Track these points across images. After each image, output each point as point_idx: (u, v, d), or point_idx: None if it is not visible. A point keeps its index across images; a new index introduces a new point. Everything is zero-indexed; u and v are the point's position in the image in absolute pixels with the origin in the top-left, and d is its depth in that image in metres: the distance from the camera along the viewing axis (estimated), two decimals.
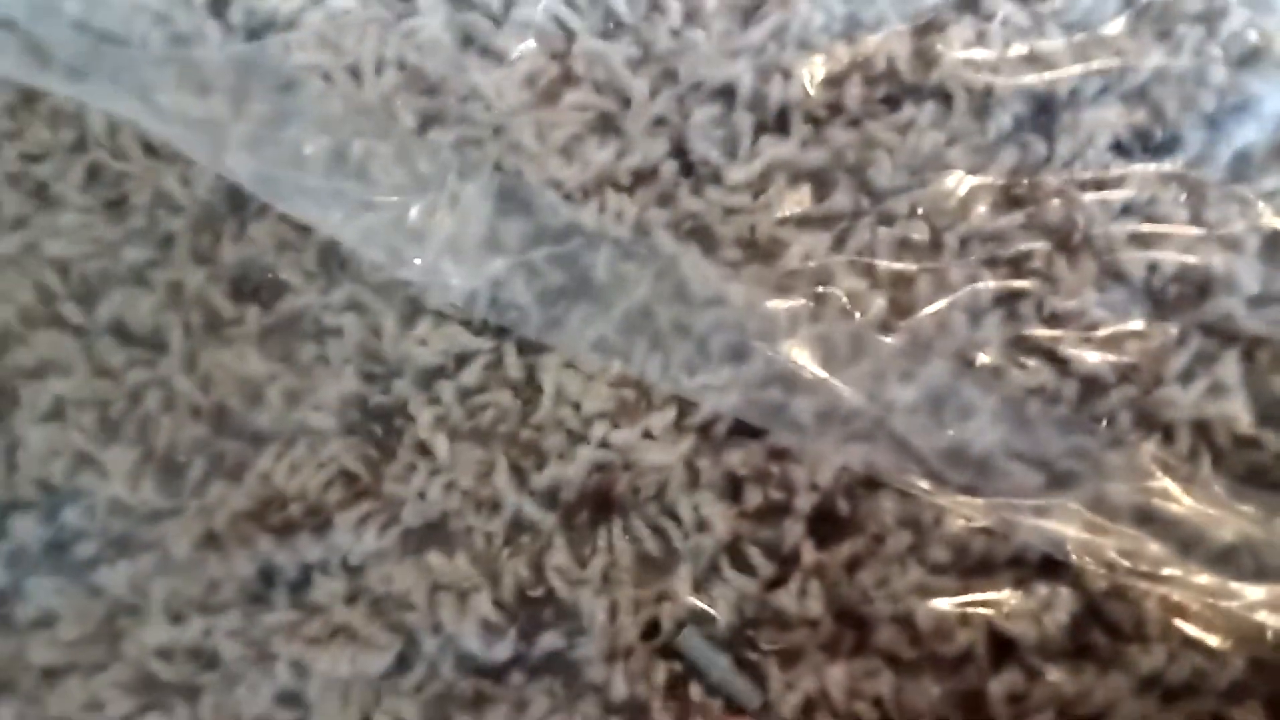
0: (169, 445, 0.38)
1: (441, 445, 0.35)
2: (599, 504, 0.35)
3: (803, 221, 0.35)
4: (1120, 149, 0.34)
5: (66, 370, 0.38)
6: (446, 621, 0.34)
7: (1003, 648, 0.31)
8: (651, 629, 0.33)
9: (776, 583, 0.33)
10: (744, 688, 0.32)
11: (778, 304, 0.34)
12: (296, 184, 0.38)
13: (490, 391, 0.36)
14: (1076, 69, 0.34)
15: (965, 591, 0.32)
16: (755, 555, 0.33)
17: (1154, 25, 0.34)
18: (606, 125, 0.37)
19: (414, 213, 0.37)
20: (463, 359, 0.36)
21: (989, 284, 0.33)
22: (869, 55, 0.35)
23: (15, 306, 0.39)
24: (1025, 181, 0.34)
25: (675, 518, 0.34)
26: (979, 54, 0.35)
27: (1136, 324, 0.32)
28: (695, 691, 0.33)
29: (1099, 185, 0.33)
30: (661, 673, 0.33)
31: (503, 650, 0.34)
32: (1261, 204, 0.32)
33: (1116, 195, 0.33)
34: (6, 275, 0.40)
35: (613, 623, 0.33)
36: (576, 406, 0.35)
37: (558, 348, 0.36)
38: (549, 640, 0.34)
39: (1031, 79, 0.34)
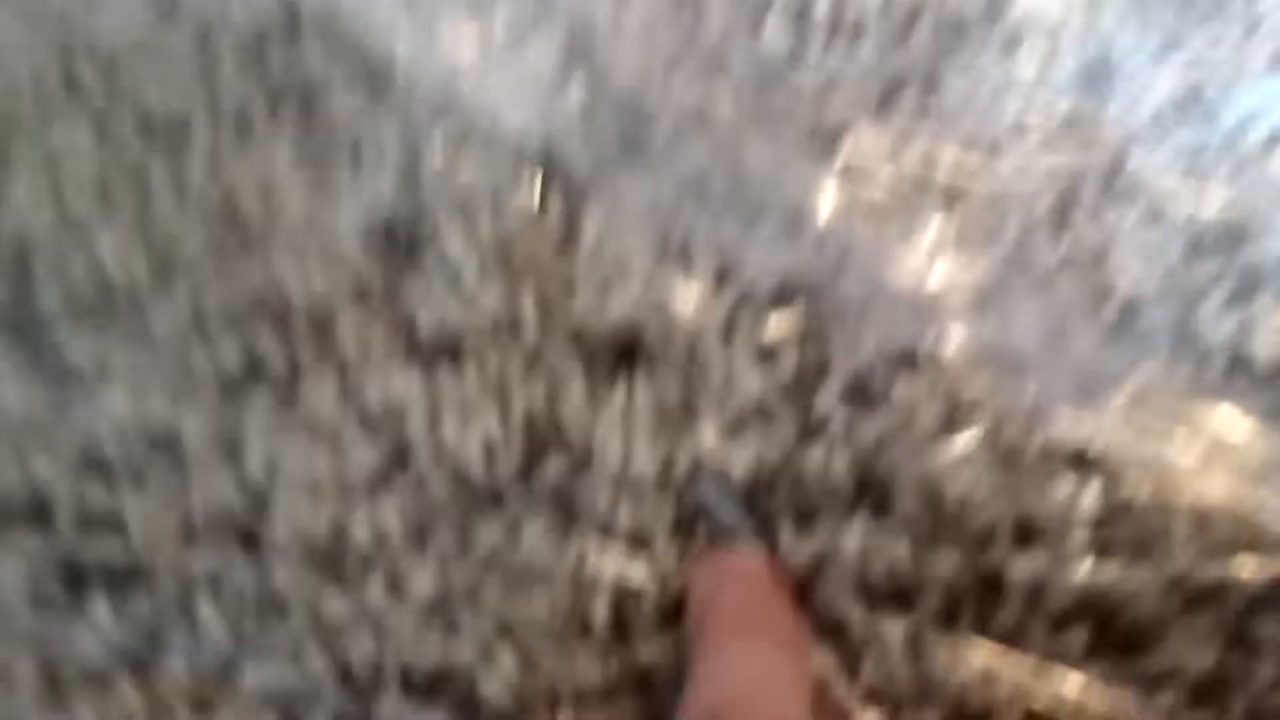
0: (170, 236, 0.35)
1: (470, 268, 0.34)
2: (626, 350, 0.34)
3: (868, 118, 0.36)
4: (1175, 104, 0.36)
5: (71, 134, 0.36)
6: (447, 436, 0.32)
7: (1027, 533, 0.31)
8: (666, 469, 0.32)
9: (801, 445, 0.32)
10: (752, 539, 0.30)
11: (833, 186, 0.35)
12: (362, 13, 0.38)
13: (529, 229, 0.35)
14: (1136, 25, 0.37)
15: (993, 477, 0.31)
16: (783, 416, 0.32)
17: None
18: (682, 5, 0.39)
19: (481, 45, 0.37)
20: (504, 193, 0.36)
21: (1044, 198, 0.35)
22: None
23: (30, 63, 0.37)
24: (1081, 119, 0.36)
25: (704, 372, 0.33)
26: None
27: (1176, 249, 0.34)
28: (701, 535, 0.31)
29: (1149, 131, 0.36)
30: (668, 510, 0.31)
31: (504, 469, 0.31)
32: None
33: (1168, 144, 0.36)
34: (28, 33, 0.38)
35: (625, 456, 0.32)
36: (616, 256, 0.35)
37: (604, 199, 0.36)
38: (554, 468, 0.32)
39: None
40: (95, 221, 0.35)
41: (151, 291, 0.34)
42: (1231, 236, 0.34)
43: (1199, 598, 0.30)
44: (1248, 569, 0.30)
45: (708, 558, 0.30)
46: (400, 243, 0.35)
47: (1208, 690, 0.29)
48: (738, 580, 0.29)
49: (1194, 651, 0.29)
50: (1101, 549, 0.30)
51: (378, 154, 0.36)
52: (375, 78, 0.37)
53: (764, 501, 0.31)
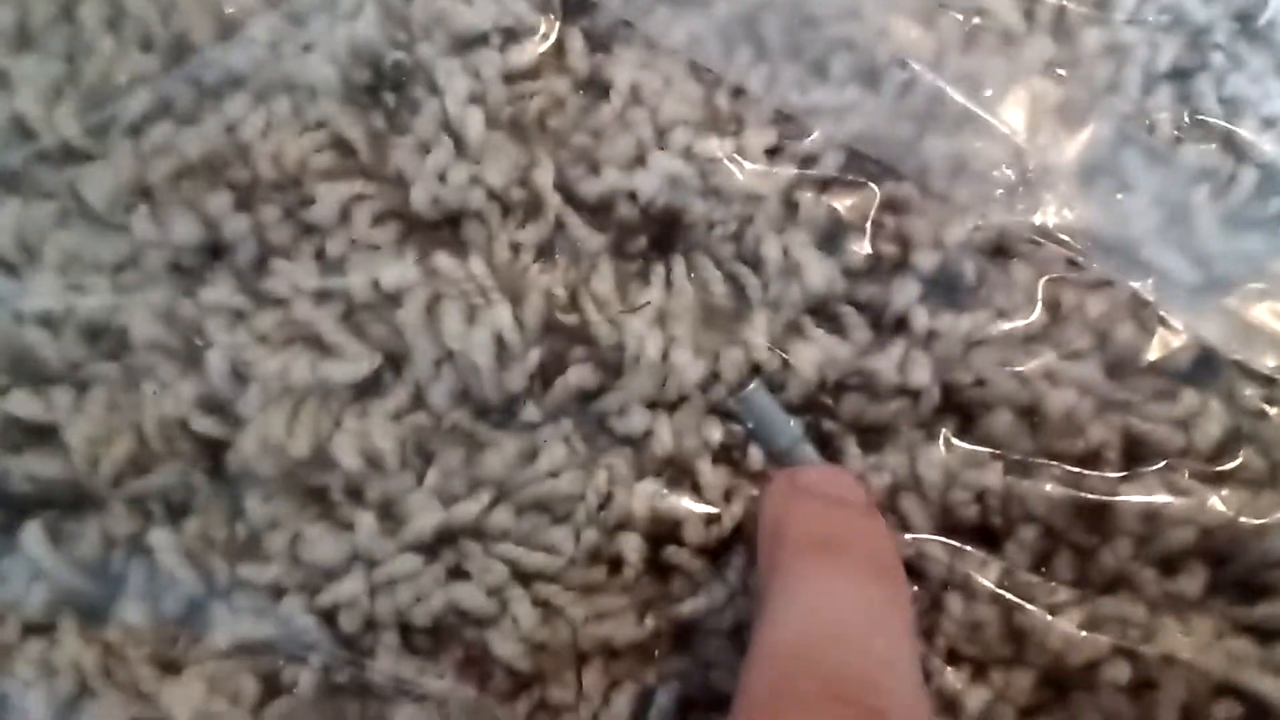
0: (104, 73, 0.29)
1: (474, 125, 0.28)
2: (663, 232, 0.28)
3: None
4: None
5: None
6: (448, 334, 0.26)
7: (1137, 457, 0.26)
8: (710, 380, 0.27)
9: (874, 348, 0.27)
10: (813, 460, 0.26)
11: (921, 27, 0.28)
12: None
13: (544, 78, 0.29)
14: None
15: (1101, 390, 0.26)
16: (850, 315, 0.27)
17: None
18: None
19: None
20: (514, 33, 0.29)
21: (1165, 53, 0.28)
22: None
23: None
24: None
25: (756, 262, 0.27)
26: None
27: None
28: (755, 458, 0.26)
29: None
30: (717, 432, 0.26)
31: (516, 379, 0.26)
32: None
33: None
34: None
35: (663, 362, 0.26)
36: (653, 112, 0.28)
37: (638, 40, 0.29)
38: (577, 376, 0.26)
39: None
40: (12, 66, 0.29)
41: (86, 153, 0.28)
42: None
43: None
44: None
45: (778, 473, 0.25)
46: (387, 93, 0.29)
47: None
48: (819, 494, 0.24)
49: None
50: (1223, 476, 0.26)
51: None
52: None
53: (827, 416, 0.27)
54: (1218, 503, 0.25)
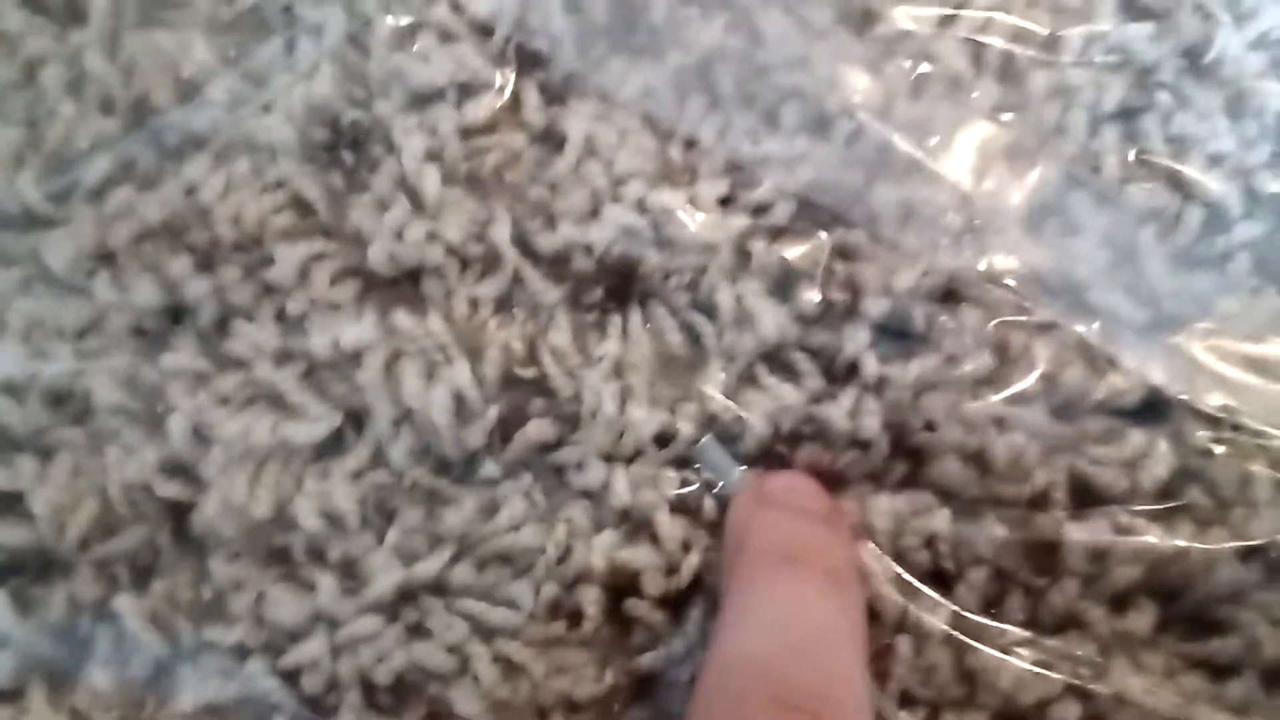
0: (65, 138, 0.29)
1: (430, 182, 0.28)
2: (619, 283, 0.28)
3: None
4: None
5: None
6: (407, 394, 0.27)
7: (1086, 497, 0.26)
8: (667, 432, 0.27)
9: (825, 396, 0.27)
10: None
11: (869, 75, 0.29)
12: None
13: (500, 132, 0.29)
14: None
15: (1049, 432, 0.27)
16: (803, 362, 0.27)
17: None
18: None
19: None
20: (470, 88, 0.29)
21: (1112, 93, 0.29)
22: None
23: None
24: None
25: (710, 310, 0.28)
26: None
27: (1263, 154, 0.28)
28: (710, 508, 0.27)
29: (1235, 11, 0.29)
30: (673, 483, 0.27)
31: (475, 436, 0.27)
32: None
33: (1253, 27, 0.29)
34: None
35: (620, 413, 0.27)
36: (607, 164, 0.29)
37: (592, 93, 0.29)
38: (536, 430, 0.27)
39: None
40: None
41: (48, 219, 0.28)
42: None
43: None
44: None
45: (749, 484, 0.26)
46: (345, 152, 0.29)
47: None
48: (781, 504, 0.24)
49: (1273, 632, 0.25)
50: (1171, 514, 0.26)
51: (314, 37, 0.29)
52: None
53: (779, 465, 0.27)
54: (1165, 540, 0.26)
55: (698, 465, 0.27)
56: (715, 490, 0.27)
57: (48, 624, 0.25)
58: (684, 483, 0.27)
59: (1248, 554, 0.26)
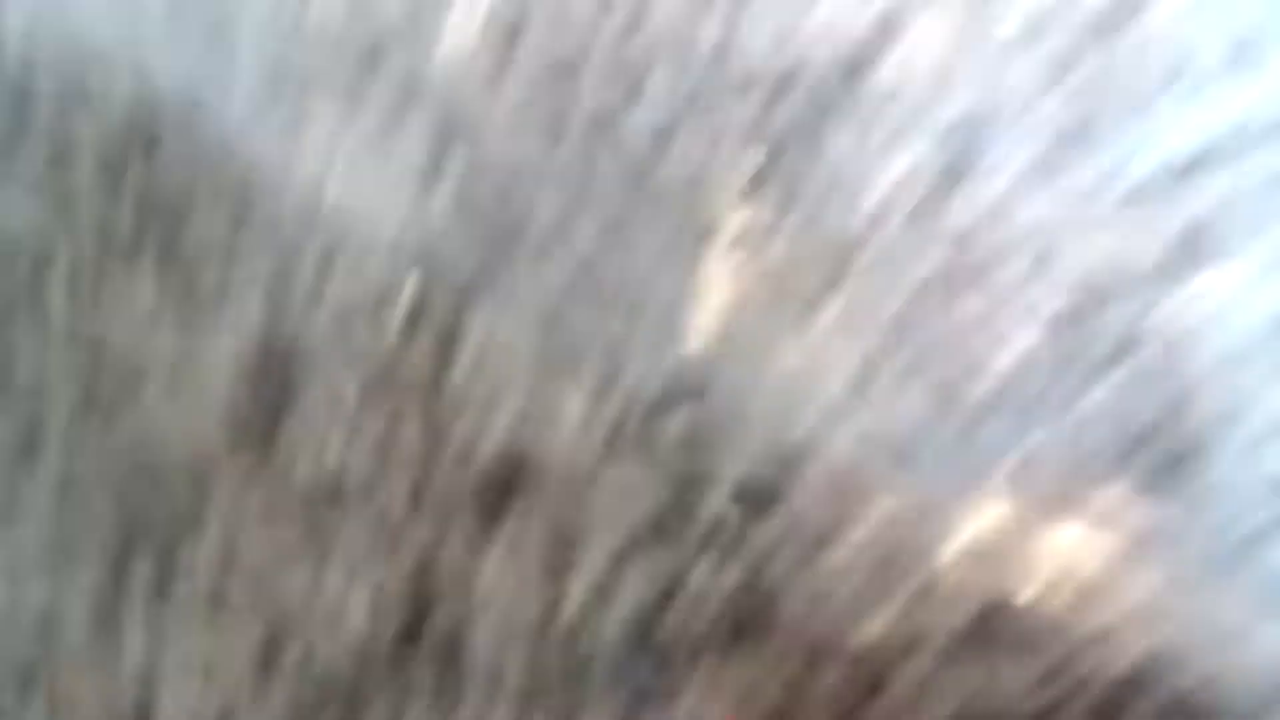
0: (35, 393, 0.34)
1: (350, 395, 0.32)
2: (510, 476, 0.31)
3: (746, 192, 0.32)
4: None
5: None
6: (332, 596, 0.30)
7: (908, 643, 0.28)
8: (552, 616, 0.30)
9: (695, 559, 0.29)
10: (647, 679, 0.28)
11: (717, 269, 0.31)
12: (224, 108, 0.35)
13: (410, 341, 0.33)
14: None
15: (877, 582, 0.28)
16: (676, 531, 0.30)
17: None
18: (565, 71, 0.34)
19: (346, 148, 0.34)
20: (381, 307, 0.33)
21: (930, 261, 0.31)
22: None
23: None
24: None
25: (591, 493, 0.30)
26: None
27: None
28: (595, 682, 0.29)
29: None
30: (559, 656, 0.29)
31: (390, 628, 0.30)
32: None
33: None
34: None
35: (511, 606, 0.29)
36: (499, 366, 0.32)
37: (486, 299, 0.33)
38: (441, 621, 0.30)
39: None
40: None
41: (18, 460, 0.33)
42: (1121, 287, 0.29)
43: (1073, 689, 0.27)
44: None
45: None
46: (275, 376, 0.33)
47: None
48: None
49: None
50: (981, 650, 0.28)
51: (246, 277, 0.34)
52: (240, 190, 0.34)
53: (663, 632, 0.29)
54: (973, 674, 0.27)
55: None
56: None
57: None
58: (571, 659, 0.29)
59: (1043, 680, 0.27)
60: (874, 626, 0.27)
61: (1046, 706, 0.27)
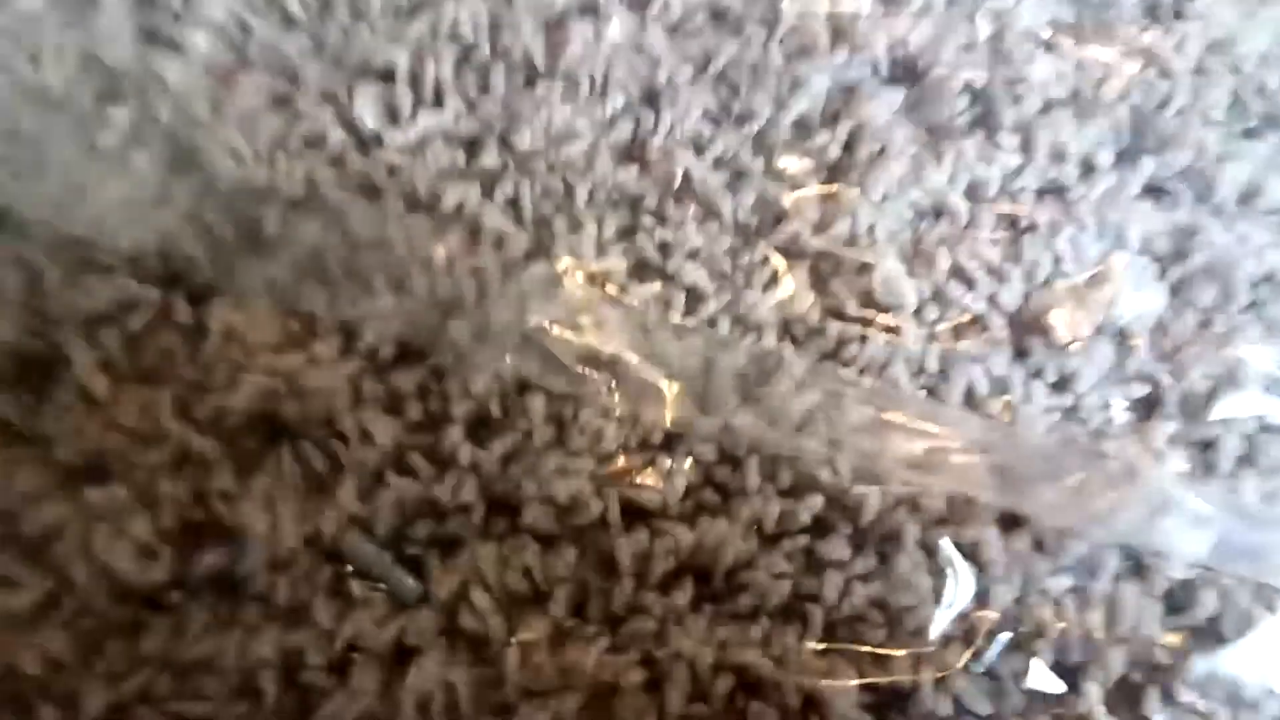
0: None
1: (100, 385, 0.36)
2: (266, 430, 0.37)
3: (457, 177, 0.40)
4: (710, 118, 0.42)
5: None
6: (100, 550, 0.34)
7: (633, 515, 0.36)
8: (315, 537, 0.35)
9: (435, 482, 0.36)
10: (402, 580, 0.34)
11: (436, 243, 0.38)
12: None
13: (157, 336, 0.37)
14: (673, 59, 0.42)
15: (600, 470, 0.36)
16: (417, 460, 0.36)
17: (730, 26, 0.43)
18: (280, 102, 0.41)
19: (85, 176, 0.39)
20: (129, 307, 0.38)
21: (612, 224, 0.40)
22: (509, 46, 0.42)
23: None
24: (637, 144, 0.41)
25: (342, 436, 0.36)
26: (599, 48, 0.42)
27: (726, 244, 0.39)
28: (357, 588, 0.34)
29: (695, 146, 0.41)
30: (325, 575, 0.35)
31: (158, 572, 0.34)
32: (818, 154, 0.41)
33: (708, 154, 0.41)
34: None
35: (274, 533, 0.35)
36: (243, 342, 0.37)
37: (227, 292, 0.38)
38: (210, 559, 0.34)
39: (640, 67, 0.42)
40: None
41: None
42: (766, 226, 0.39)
43: (772, 535, 0.35)
44: (802, 496, 0.36)
45: None
46: (32, 377, 0.37)
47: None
48: None
49: (775, 583, 0.35)
50: (693, 512, 0.36)
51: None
52: None
53: (408, 544, 0.35)
54: (688, 534, 0.35)
55: (346, 557, 0.35)
56: (363, 574, 0.35)
57: None
58: (335, 571, 0.35)
59: (746, 529, 0.35)
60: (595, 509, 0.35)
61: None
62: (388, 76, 0.41)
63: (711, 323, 0.38)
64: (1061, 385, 0.38)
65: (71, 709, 0.32)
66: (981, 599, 0.35)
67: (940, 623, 0.35)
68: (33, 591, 0.33)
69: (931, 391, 0.38)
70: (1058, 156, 0.42)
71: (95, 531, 0.34)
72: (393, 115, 0.41)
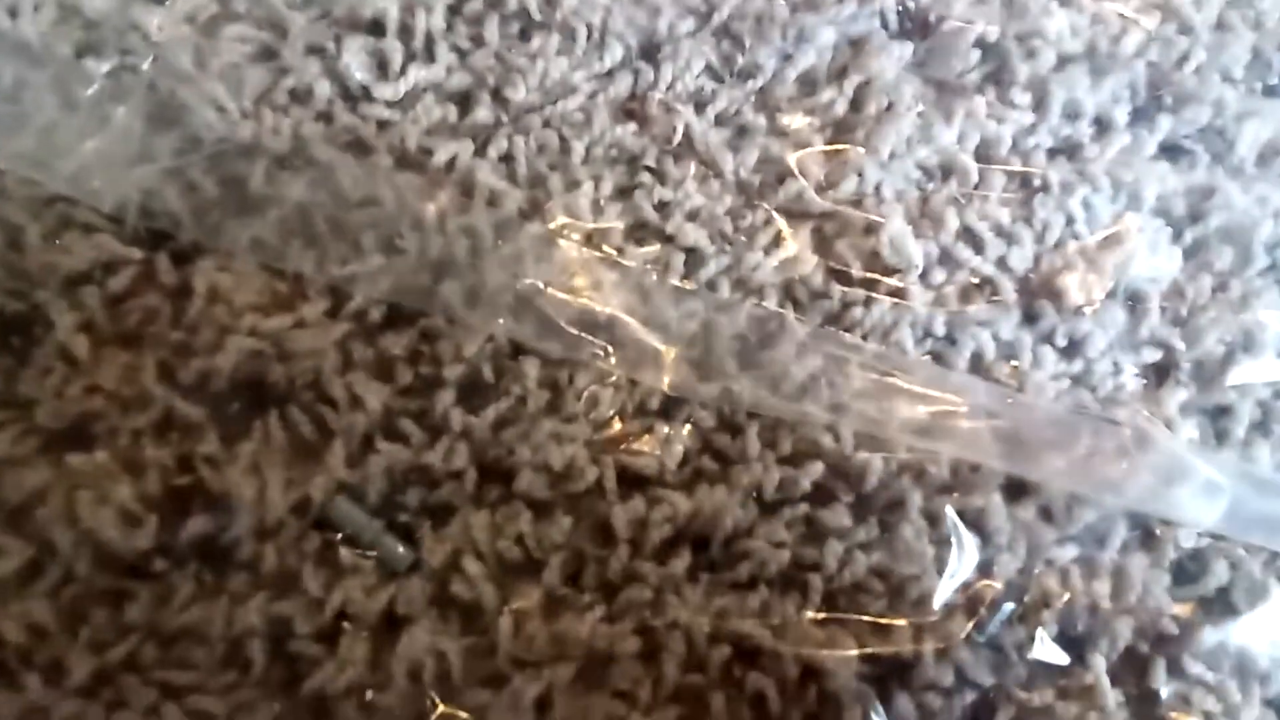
0: None
1: (81, 347, 0.35)
2: (253, 394, 0.36)
3: (448, 133, 0.39)
4: (712, 73, 0.40)
5: None
6: (83, 516, 0.33)
7: (630, 482, 0.35)
8: (303, 504, 0.34)
9: (426, 448, 0.35)
10: (393, 547, 0.33)
11: (427, 201, 0.37)
12: None
13: (140, 297, 0.36)
14: (673, 10, 0.40)
15: (596, 436, 0.35)
16: (407, 425, 0.35)
17: None
18: (265, 54, 0.39)
19: (64, 131, 0.37)
20: (111, 267, 0.36)
21: (609, 182, 0.38)
22: None
23: None
24: (636, 99, 0.39)
25: (330, 401, 0.35)
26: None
27: (727, 204, 0.38)
28: (346, 555, 0.34)
29: (696, 102, 0.40)
30: (313, 542, 0.34)
31: (143, 539, 0.33)
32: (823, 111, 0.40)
33: (710, 110, 0.40)
34: None
35: (261, 500, 0.34)
36: (228, 303, 0.36)
37: (212, 251, 0.37)
38: (196, 526, 0.33)
39: (640, 17, 0.40)
40: None
41: None
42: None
43: (772, 503, 0.34)
44: (805, 466, 0.35)
45: None
46: (14, 337, 0.36)
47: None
48: None
49: (775, 552, 0.34)
50: (690, 479, 0.35)
51: None
52: None
53: (399, 510, 0.34)
54: (686, 502, 0.34)
55: (335, 524, 0.34)
56: (353, 540, 0.34)
57: None
58: (324, 539, 0.34)
59: (745, 497, 0.34)
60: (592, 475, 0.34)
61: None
62: (377, 28, 0.40)
63: (711, 285, 0.37)
64: (1072, 350, 0.37)
65: (56, 677, 0.32)
66: (985, 568, 0.34)
67: (943, 592, 0.34)
68: (15, 558, 0.33)
69: (938, 356, 0.37)
70: (1072, 114, 0.40)
71: (78, 497, 0.33)
72: (382, 68, 0.39)
